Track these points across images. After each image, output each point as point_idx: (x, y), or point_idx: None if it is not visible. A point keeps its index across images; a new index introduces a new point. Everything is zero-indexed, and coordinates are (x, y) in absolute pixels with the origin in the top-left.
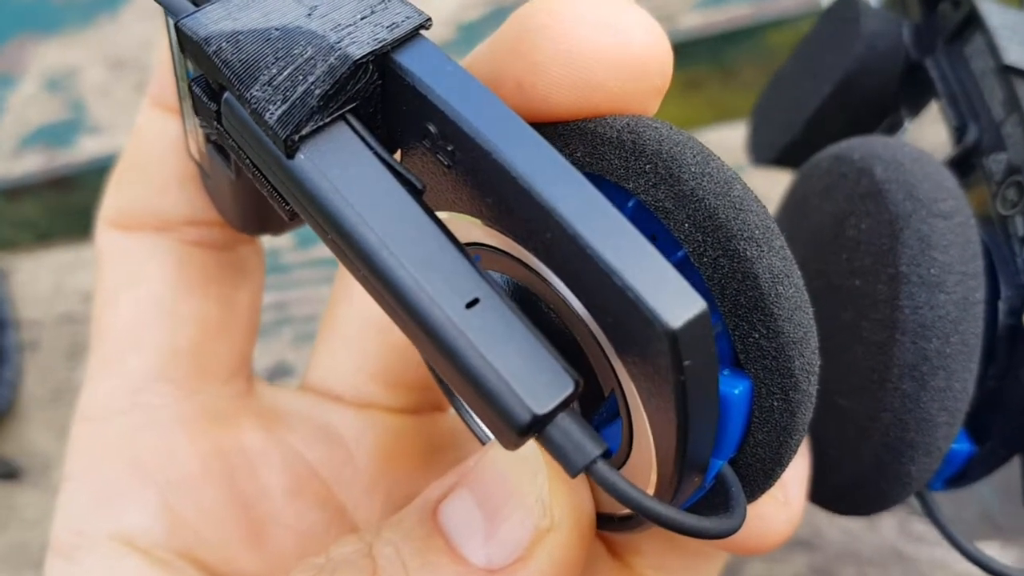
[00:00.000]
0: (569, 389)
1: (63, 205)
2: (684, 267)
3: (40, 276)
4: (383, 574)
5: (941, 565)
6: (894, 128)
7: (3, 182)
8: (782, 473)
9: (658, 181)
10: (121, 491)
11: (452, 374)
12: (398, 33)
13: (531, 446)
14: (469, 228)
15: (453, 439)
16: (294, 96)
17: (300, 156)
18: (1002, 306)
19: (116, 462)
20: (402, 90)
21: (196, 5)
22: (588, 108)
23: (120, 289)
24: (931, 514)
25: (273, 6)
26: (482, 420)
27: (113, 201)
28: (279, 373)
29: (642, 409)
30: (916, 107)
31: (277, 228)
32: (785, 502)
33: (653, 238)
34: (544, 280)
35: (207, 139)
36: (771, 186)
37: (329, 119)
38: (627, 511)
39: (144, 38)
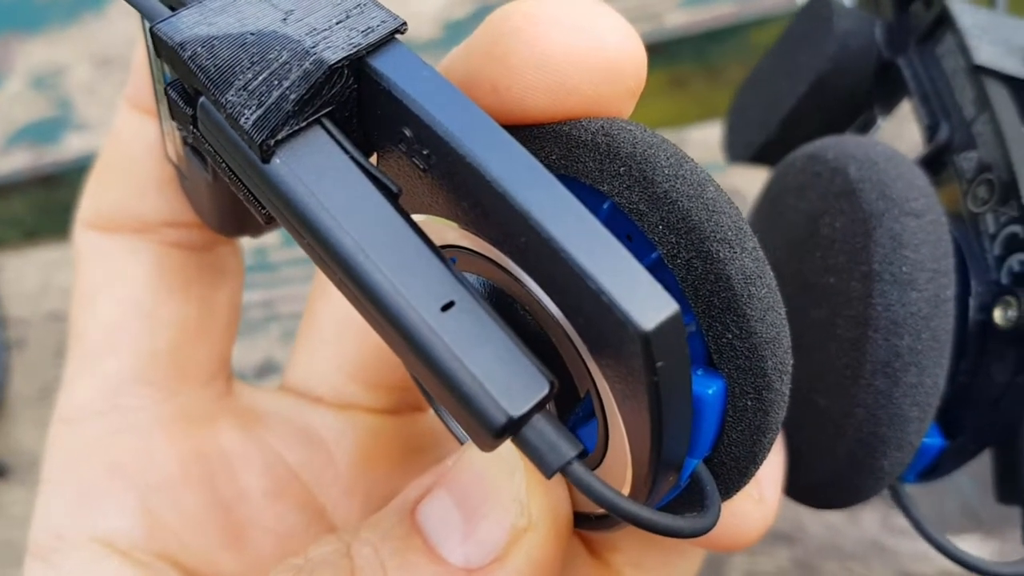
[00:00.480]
0: (544, 391)
1: (50, 203)
2: (658, 268)
3: (27, 274)
4: (361, 574)
5: (923, 558)
6: (867, 126)
7: None
8: (756, 471)
9: (632, 183)
10: (100, 494)
11: (427, 377)
12: (373, 38)
13: (508, 446)
14: (445, 231)
15: (432, 439)
16: (269, 101)
17: (276, 160)
18: (973, 302)
19: (94, 465)
20: (377, 94)
21: (172, 9)
22: (563, 111)
23: (98, 291)
24: (904, 507)
25: (248, 11)
26: (458, 422)
27: (91, 203)
28: (267, 370)
29: (617, 409)
30: (889, 106)
31: (255, 230)
32: (760, 499)
33: (628, 239)
34: (519, 282)
35: (184, 142)
36: (750, 183)
37: (304, 123)
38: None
39: (130, 36)
